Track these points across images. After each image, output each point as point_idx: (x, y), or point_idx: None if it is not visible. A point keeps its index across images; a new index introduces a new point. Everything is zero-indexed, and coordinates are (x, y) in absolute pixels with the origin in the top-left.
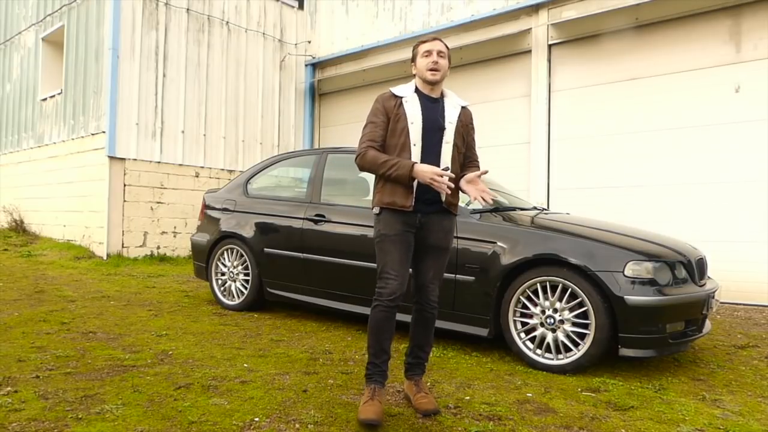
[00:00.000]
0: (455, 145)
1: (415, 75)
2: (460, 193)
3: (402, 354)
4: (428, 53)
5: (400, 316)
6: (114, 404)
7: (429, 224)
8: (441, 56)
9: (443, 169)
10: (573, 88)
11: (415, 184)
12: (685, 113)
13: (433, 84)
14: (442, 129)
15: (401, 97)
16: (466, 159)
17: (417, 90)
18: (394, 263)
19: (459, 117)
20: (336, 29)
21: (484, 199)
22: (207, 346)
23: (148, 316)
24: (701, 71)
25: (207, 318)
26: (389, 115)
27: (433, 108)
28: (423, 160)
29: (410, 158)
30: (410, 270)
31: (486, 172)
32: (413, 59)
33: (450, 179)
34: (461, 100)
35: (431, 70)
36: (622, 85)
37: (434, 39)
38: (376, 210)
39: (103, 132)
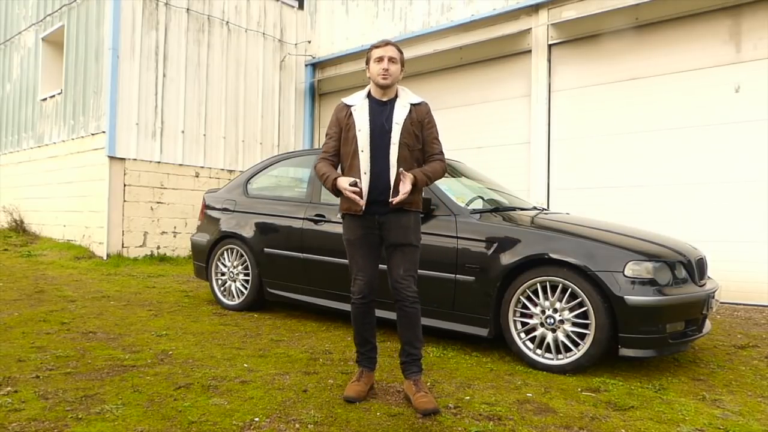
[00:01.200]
0: (404, 145)
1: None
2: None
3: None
4: (380, 59)
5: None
6: (114, 404)
7: (387, 223)
8: (392, 62)
9: (351, 184)
10: (573, 88)
11: (366, 188)
12: (685, 113)
13: (384, 88)
14: (389, 131)
15: (351, 106)
16: (425, 154)
17: (369, 95)
18: (358, 265)
19: (409, 115)
20: (336, 29)
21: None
22: (207, 346)
23: (148, 316)
24: (701, 71)
25: (207, 318)
26: (341, 126)
27: (380, 112)
28: (373, 164)
29: (359, 164)
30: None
31: (406, 191)
32: (367, 62)
33: (399, 179)
34: (415, 97)
35: (382, 75)
36: (622, 85)
37: (387, 44)
38: (339, 215)
39: (103, 132)
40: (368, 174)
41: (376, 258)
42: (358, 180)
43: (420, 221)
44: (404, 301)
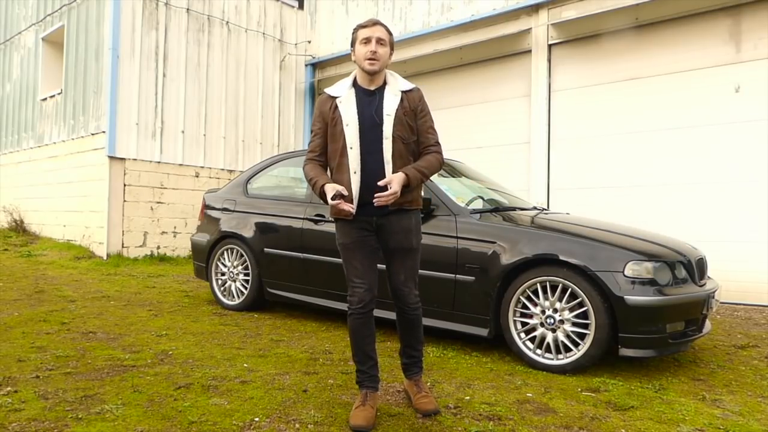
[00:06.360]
0: (397, 139)
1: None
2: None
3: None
4: (367, 41)
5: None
6: (114, 404)
7: (387, 225)
8: (381, 44)
9: (335, 196)
10: (573, 88)
11: (356, 189)
12: (685, 113)
13: (371, 74)
14: (380, 124)
15: (335, 98)
16: (420, 146)
17: (355, 83)
18: (357, 272)
19: (401, 105)
20: (336, 29)
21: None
22: (207, 346)
23: (148, 316)
24: (701, 71)
25: (207, 318)
26: (326, 120)
27: (369, 103)
28: (364, 162)
29: (348, 162)
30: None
31: (394, 192)
32: (352, 44)
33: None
34: (405, 83)
35: (369, 59)
36: (622, 85)
37: (375, 24)
38: (332, 217)
39: (103, 132)
40: (358, 173)
41: (375, 262)
42: (343, 189)
43: (420, 221)
44: (406, 306)
